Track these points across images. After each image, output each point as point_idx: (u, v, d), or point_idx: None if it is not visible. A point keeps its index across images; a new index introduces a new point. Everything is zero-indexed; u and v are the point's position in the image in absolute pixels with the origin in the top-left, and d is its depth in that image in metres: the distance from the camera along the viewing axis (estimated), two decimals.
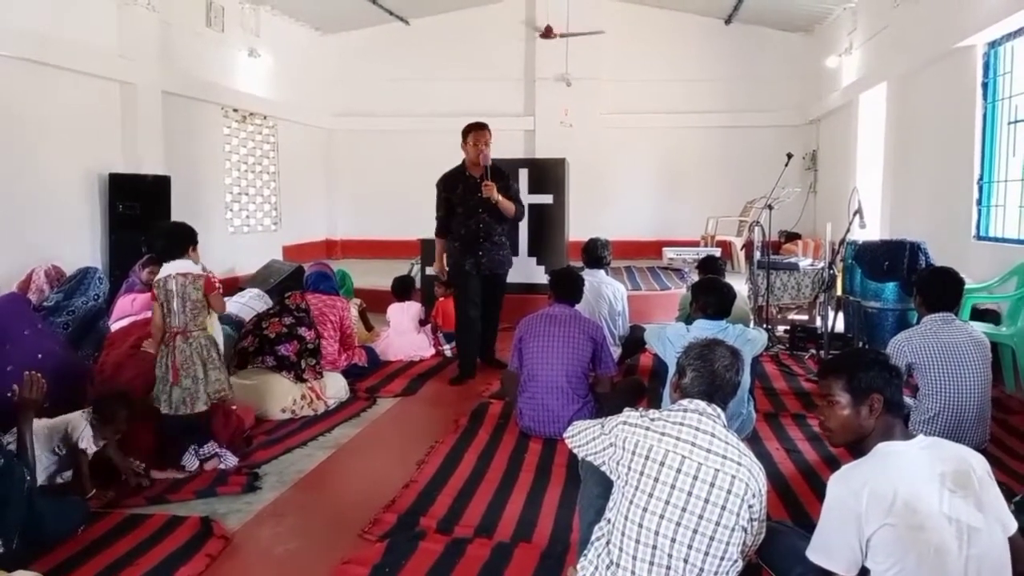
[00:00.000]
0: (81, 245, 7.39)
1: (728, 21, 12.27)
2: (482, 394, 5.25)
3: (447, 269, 5.89)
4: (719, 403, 2.34)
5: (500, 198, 5.48)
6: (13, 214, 6.65)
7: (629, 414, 2.38)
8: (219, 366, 3.89)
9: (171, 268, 3.78)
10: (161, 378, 3.76)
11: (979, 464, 2.07)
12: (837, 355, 2.45)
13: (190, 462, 3.77)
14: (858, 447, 2.20)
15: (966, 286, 4.16)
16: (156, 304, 3.82)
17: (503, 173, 5.68)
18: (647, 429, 2.27)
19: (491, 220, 5.58)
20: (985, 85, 6.64)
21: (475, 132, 5.55)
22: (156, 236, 3.96)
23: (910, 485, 1.99)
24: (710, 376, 2.35)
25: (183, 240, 3.86)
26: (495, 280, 5.76)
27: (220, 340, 4.05)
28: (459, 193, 5.58)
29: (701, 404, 2.31)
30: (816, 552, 2.10)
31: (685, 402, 2.34)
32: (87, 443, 3.33)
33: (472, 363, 5.74)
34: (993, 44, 6.55)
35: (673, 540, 2.14)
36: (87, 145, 7.60)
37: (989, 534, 1.98)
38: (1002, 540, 2.02)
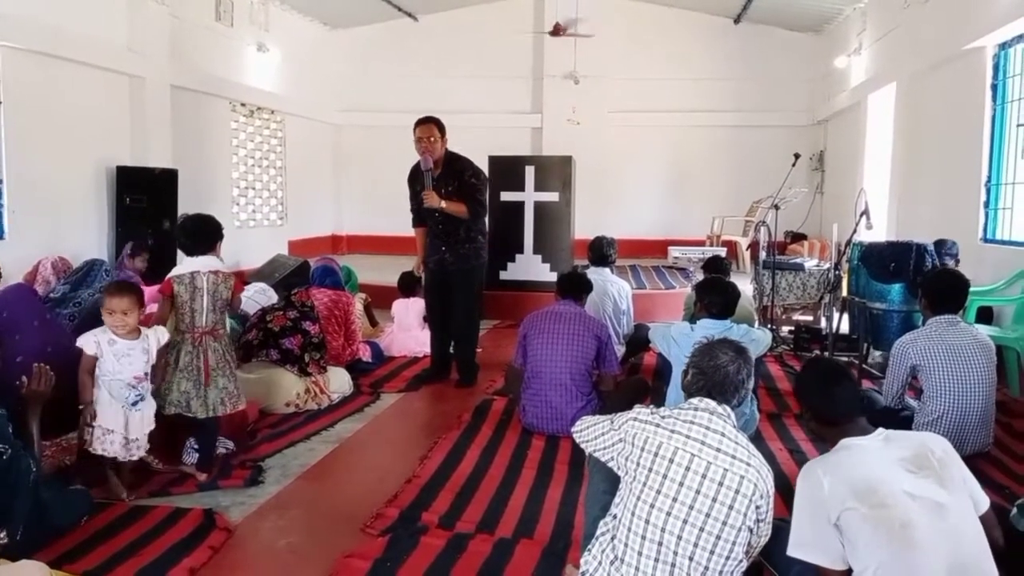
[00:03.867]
0: (88, 237, 7.42)
1: (737, 20, 12.24)
2: (486, 391, 5.26)
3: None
4: (721, 399, 2.33)
5: (442, 204, 5.10)
6: (21, 205, 6.68)
7: (639, 410, 2.38)
8: (237, 363, 3.93)
9: (197, 264, 3.59)
10: (195, 381, 3.58)
11: (938, 446, 2.16)
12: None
13: (189, 457, 3.77)
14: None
15: (972, 289, 4.15)
16: (165, 299, 3.62)
17: (459, 169, 5.22)
18: (657, 426, 2.27)
19: (448, 219, 5.22)
20: (995, 87, 6.61)
21: (417, 128, 5.11)
22: (185, 228, 3.77)
23: (869, 470, 2.08)
24: (711, 370, 2.36)
25: (212, 235, 3.71)
26: (462, 277, 5.32)
27: None
28: (418, 191, 5.26)
29: (711, 404, 2.31)
30: (796, 548, 2.14)
31: (695, 401, 2.34)
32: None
33: (438, 361, 5.59)
34: (1003, 46, 6.53)
35: (679, 537, 2.15)
36: (95, 138, 7.63)
37: (955, 509, 2.04)
38: (971, 514, 2.09)
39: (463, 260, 5.30)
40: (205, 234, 3.70)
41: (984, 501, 2.16)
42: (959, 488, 2.09)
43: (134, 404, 3.34)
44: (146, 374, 3.38)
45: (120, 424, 3.32)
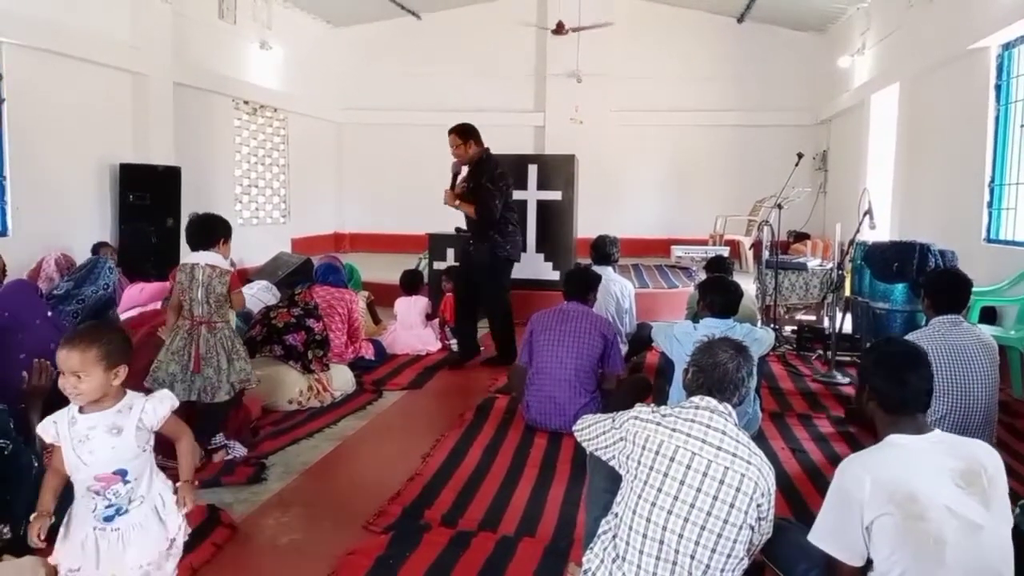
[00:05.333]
0: (91, 234, 7.42)
1: (741, 19, 12.23)
2: (488, 388, 5.27)
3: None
4: (721, 397, 2.33)
5: (456, 204, 5.68)
6: (24, 202, 6.69)
7: (640, 409, 2.38)
8: (244, 356, 3.88)
9: (199, 257, 3.78)
10: (183, 365, 3.70)
11: (991, 463, 2.06)
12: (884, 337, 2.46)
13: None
14: (874, 433, 2.22)
15: (976, 289, 4.14)
16: (176, 284, 3.81)
17: (480, 172, 5.67)
18: (658, 424, 2.27)
19: (469, 217, 5.80)
20: (998, 87, 6.60)
21: (449, 135, 5.74)
22: (189, 226, 3.99)
23: (914, 476, 1.99)
24: (710, 368, 2.35)
25: (213, 233, 3.87)
26: (482, 268, 5.80)
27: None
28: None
29: (712, 402, 2.30)
30: (818, 537, 2.10)
31: (696, 399, 2.33)
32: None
33: (466, 346, 6.05)
34: (1007, 46, 6.51)
35: (680, 536, 2.14)
36: (98, 135, 7.64)
37: (993, 532, 1.98)
38: (1007, 538, 2.02)
39: (481, 253, 5.79)
40: (205, 232, 3.90)
41: (1010, 522, 2.06)
42: (1001, 509, 2.02)
43: (108, 520, 2.13)
44: (123, 474, 2.13)
45: (88, 558, 2.13)
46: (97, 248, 6.82)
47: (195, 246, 3.87)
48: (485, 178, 5.61)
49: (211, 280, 3.74)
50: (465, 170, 5.81)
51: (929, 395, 2.14)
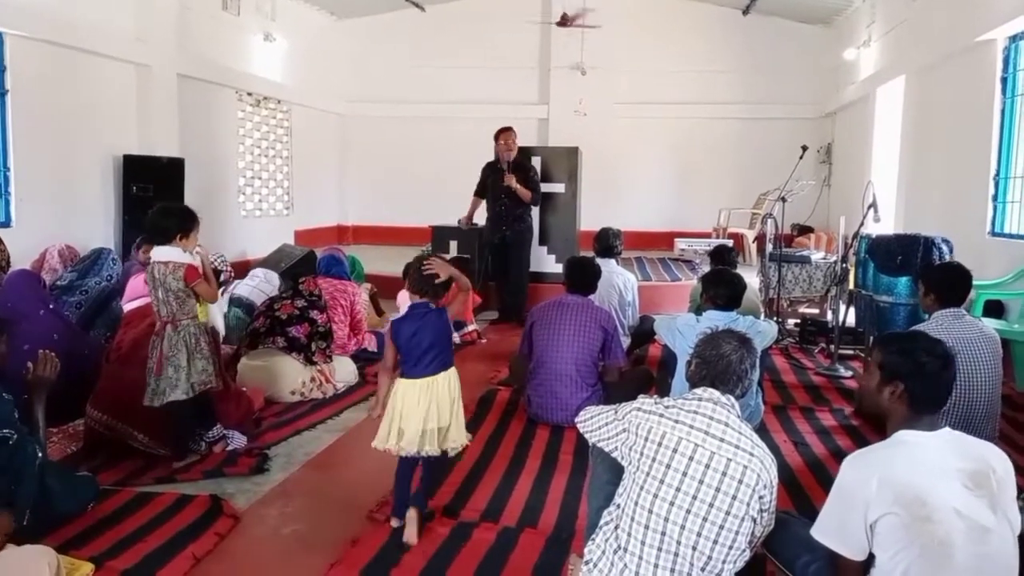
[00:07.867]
0: (95, 225, 7.44)
1: (746, 12, 12.17)
2: (491, 381, 5.27)
3: (473, 224, 7.73)
4: (724, 389, 2.32)
5: (517, 186, 7.03)
6: (28, 193, 6.70)
7: (643, 400, 2.38)
8: (207, 355, 3.64)
9: (158, 254, 3.58)
10: (149, 369, 3.55)
11: (1000, 465, 2.05)
12: (903, 331, 2.41)
13: (197, 446, 3.78)
14: (882, 428, 2.19)
15: (980, 282, 4.13)
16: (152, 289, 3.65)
17: (526, 166, 7.26)
18: (661, 416, 2.26)
19: (511, 204, 7.20)
20: (1004, 80, 6.57)
21: (502, 133, 7.23)
22: (148, 219, 3.69)
23: (923, 476, 1.98)
24: (714, 359, 2.34)
25: (169, 227, 3.59)
26: (518, 246, 7.29)
27: (220, 326, 3.89)
28: (492, 179, 7.24)
29: (715, 393, 2.30)
30: (821, 531, 2.09)
31: (699, 391, 2.33)
32: None
33: (503, 309, 7.52)
34: (1014, 38, 6.47)
35: (682, 527, 2.15)
36: (102, 126, 7.64)
37: (1000, 535, 1.97)
38: (1012, 541, 2.00)
39: (518, 235, 7.29)
40: (160, 228, 3.62)
41: (1018, 525, 2.04)
42: (1009, 512, 2.00)
43: None
44: None
45: None
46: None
47: (154, 242, 3.64)
48: (532, 173, 7.27)
49: (165, 277, 3.52)
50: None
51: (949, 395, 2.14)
